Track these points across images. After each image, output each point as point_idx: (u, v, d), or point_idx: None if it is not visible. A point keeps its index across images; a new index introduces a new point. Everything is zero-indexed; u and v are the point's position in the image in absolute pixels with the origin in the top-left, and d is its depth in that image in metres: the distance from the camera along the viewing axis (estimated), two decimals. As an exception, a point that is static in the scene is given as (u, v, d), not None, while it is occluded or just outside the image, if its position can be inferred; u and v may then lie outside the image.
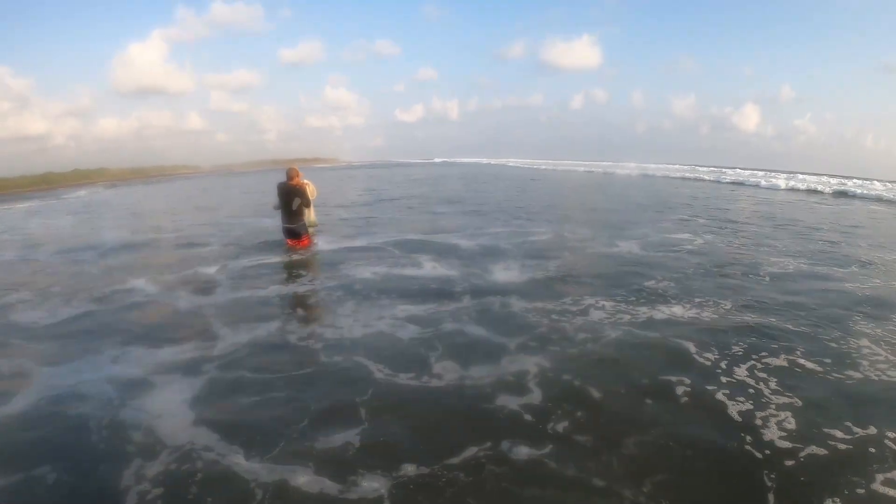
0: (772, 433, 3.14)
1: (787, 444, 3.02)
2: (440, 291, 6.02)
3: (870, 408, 3.45)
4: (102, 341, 4.73)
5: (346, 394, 3.62)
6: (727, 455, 2.96)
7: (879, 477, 2.74)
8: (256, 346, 4.54)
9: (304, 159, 71.78)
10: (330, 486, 2.68)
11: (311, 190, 8.67)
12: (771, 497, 2.60)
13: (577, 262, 7.74)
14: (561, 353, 4.30)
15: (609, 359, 4.22)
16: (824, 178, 27.94)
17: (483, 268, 7.15)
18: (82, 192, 26.80)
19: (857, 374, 3.93)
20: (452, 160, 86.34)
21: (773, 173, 32.91)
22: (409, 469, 2.80)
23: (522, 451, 2.95)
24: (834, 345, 4.49)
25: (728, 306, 5.49)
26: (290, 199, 8.08)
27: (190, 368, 4.10)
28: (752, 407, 3.44)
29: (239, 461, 2.89)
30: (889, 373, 3.96)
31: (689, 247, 8.77)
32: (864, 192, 21.21)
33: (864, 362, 4.14)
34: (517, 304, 5.52)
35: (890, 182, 26.36)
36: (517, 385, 3.74)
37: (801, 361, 4.15)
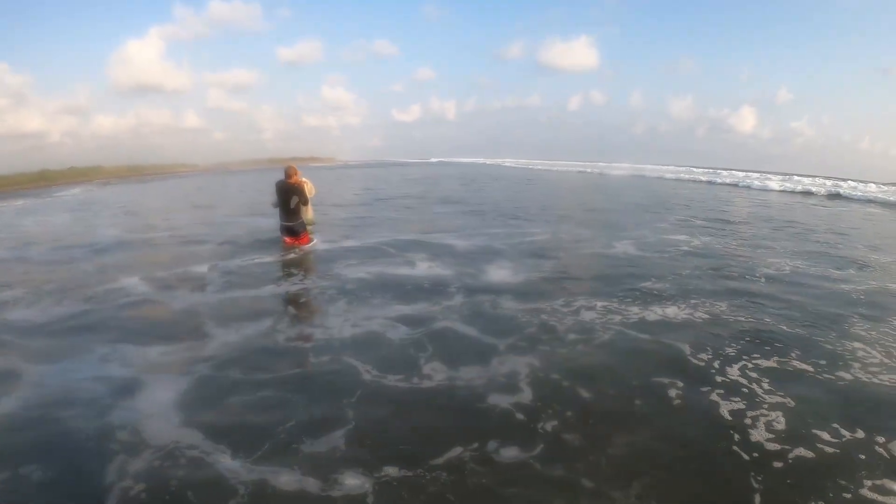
0: (762, 435, 3.12)
1: (777, 446, 3.00)
2: (433, 291, 5.99)
3: (863, 410, 3.43)
4: (93, 340, 4.68)
5: (335, 395, 3.58)
6: (717, 456, 2.94)
7: (868, 481, 2.73)
8: (246, 345, 4.51)
9: (301, 158, 71.47)
10: (315, 487, 2.65)
11: (309, 188, 8.65)
12: (758, 498, 2.59)
13: (573, 262, 7.74)
14: (552, 353, 4.28)
15: (602, 359, 4.20)
16: (820, 180, 28.03)
17: (477, 268, 7.13)
18: (76, 191, 26.67)
19: (851, 377, 3.93)
20: (449, 160, 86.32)
21: (769, 175, 32.97)
22: (395, 470, 2.77)
23: (511, 452, 2.92)
24: (829, 346, 4.48)
25: (723, 307, 5.48)
26: (289, 197, 8.07)
27: (179, 368, 4.07)
28: (744, 408, 3.42)
29: (225, 461, 2.86)
30: (881, 376, 3.95)
31: (686, 248, 8.78)
32: (861, 194, 21.29)
33: (858, 364, 4.13)
34: (510, 305, 5.50)
35: (886, 184, 26.47)
36: (508, 385, 3.71)
37: (795, 363, 4.15)
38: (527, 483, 2.69)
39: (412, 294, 5.88)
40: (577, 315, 5.19)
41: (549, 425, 3.20)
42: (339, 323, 4.99)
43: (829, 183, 26.34)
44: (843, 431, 3.17)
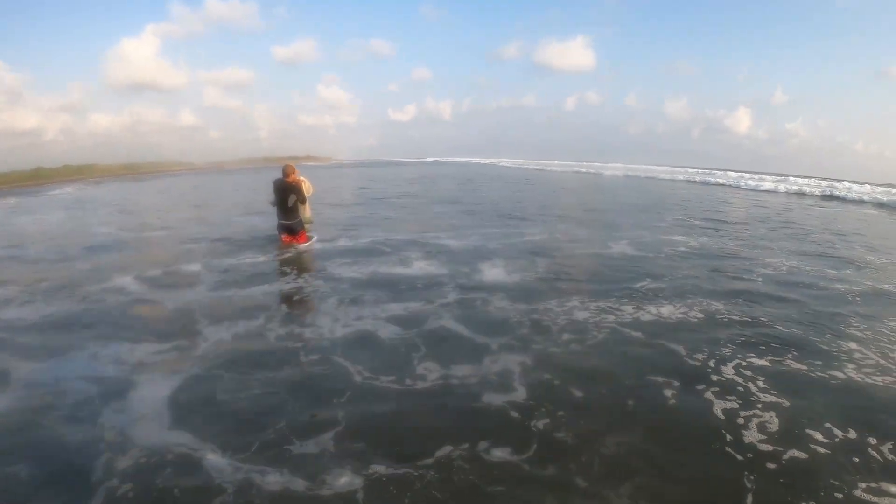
0: (757, 435, 3.11)
1: (771, 447, 2.99)
2: (428, 291, 5.96)
3: (858, 411, 3.42)
4: (84, 338, 4.64)
5: (326, 394, 3.55)
6: (711, 456, 2.92)
7: (862, 482, 2.71)
8: (238, 344, 4.47)
9: (297, 157, 71.26)
10: (305, 487, 2.63)
11: (306, 187, 8.62)
12: (751, 498, 2.57)
13: (569, 262, 7.71)
14: (546, 353, 4.26)
15: (596, 359, 4.18)
16: (815, 181, 28.16)
17: (472, 267, 7.10)
18: (70, 189, 26.51)
19: (846, 377, 3.92)
20: (444, 160, 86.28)
21: (765, 176, 33.10)
22: (387, 469, 2.75)
23: (504, 452, 2.90)
24: (825, 347, 4.47)
25: (719, 307, 5.48)
26: (286, 195, 8.08)
27: (171, 366, 4.03)
28: (738, 408, 3.41)
29: (215, 461, 2.83)
30: (874, 377, 3.94)
31: (682, 248, 8.78)
32: (856, 195, 21.36)
33: (853, 365, 4.12)
34: (505, 305, 5.47)
35: (881, 185, 26.60)
36: (501, 385, 3.69)
37: (791, 363, 4.14)
38: (519, 483, 2.66)
39: (407, 293, 5.85)
40: (572, 315, 5.17)
41: (542, 425, 3.18)
42: (332, 322, 4.95)
43: (824, 184, 26.48)
44: (837, 432, 3.16)
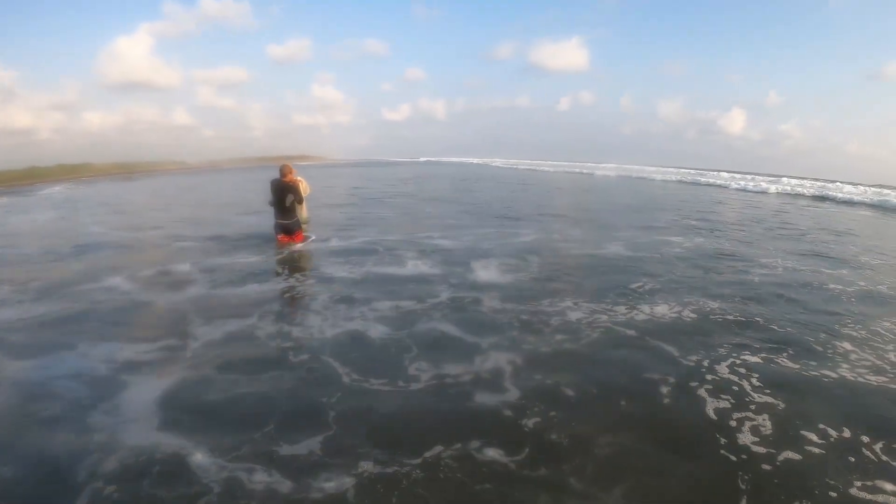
0: (750, 435, 3.09)
1: (765, 448, 2.97)
2: (421, 291, 5.91)
3: (852, 411, 3.41)
4: (74, 338, 4.57)
5: (316, 395, 3.51)
6: (704, 456, 2.90)
7: (857, 482, 2.70)
8: (228, 345, 4.42)
9: (291, 157, 70.93)
10: (293, 489, 2.59)
11: (304, 187, 8.59)
12: (745, 499, 2.55)
13: (562, 262, 7.68)
14: (539, 353, 4.23)
15: (590, 359, 4.16)
16: (809, 182, 28.32)
17: (466, 267, 7.06)
18: (63, 188, 26.29)
19: (840, 377, 3.91)
20: (438, 160, 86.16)
21: (759, 177, 33.22)
22: (375, 469, 2.72)
23: (495, 452, 2.87)
24: (819, 347, 4.46)
25: (713, 307, 5.47)
26: (284, 195, 8.07)
27: (160, 366, 3.99)
28: (732, 409, 3.39)
29: (203, 461, 2.79)
30: (868, 376, 3.94)
31: (676, 248, 8.77)
32: (849, 196, 21.47)
33: (847, 365, 4.12)
34: (498, 305, 5.44)
35: (874, 186, 26.79)
36: (492, 385, 3.66)
37: (786, 363, 4.13)
38: (512, 484, 2.63)
39: (400, 293, 5.80)
40: (565, 315, 5.14)
41: (535, 425, 3.15)
42: (324, 322, 4.91)
43: (818, 184, 26.62)
44: (832, 432, 3.14)
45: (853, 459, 2.89)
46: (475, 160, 75.16)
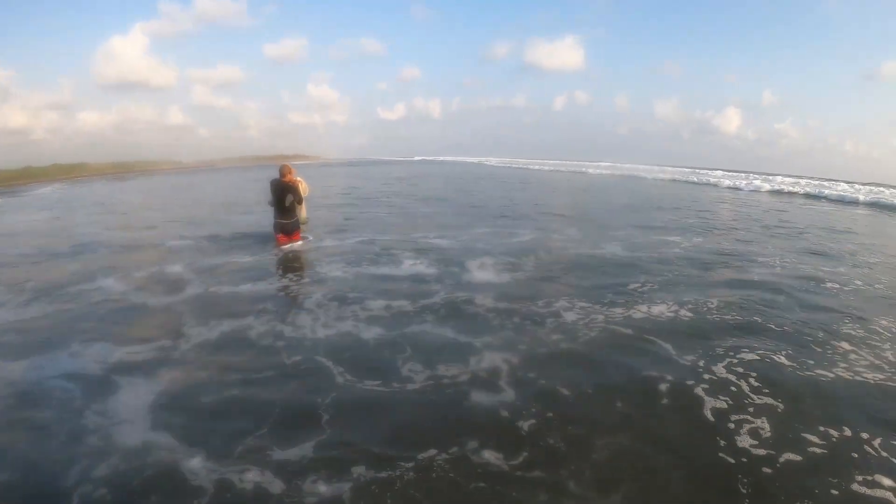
0: (749, 436, 3.06)
1: (764, 449, 2.94)
2: (416, 291, 5.87)
3: (850, 410, 3.39)
4: (66, 339, 4.54)
5: (310, 396, 3.47)
6: (702, 459, 2.87)
7: (857, 482, 2.68)
8: (222, 346, 4.38)
9: (287, 156, 70.81)
10: (287, 491, 2.56)
11: (303, 187, 8.56)
12: (746, 502, 2.52)
13: (559, 262, 7.63)
14: (535, 353, 4.19)
15: (587, 359, 4.12)
16: (805, 181, 28.37)
17: (461, 267, 7.01)
18: (57, 188, 26.17)
19: (839, 376, 3.88)
20: (433, 159, 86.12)
21: (755, 176, 33.29)
22: (370, 471, 2.69)
23: (491, 454, 2.84)
24: (818, 348, 4.43)
25: (711, 306, 5.43)
26: (284, 195, 8.07)
27: (152, 368, 3.95)
28: (730, 410, 3.35)
29: (195, 463, 2.77)
30: (865, 374, 3.92)
31: (674, 248, 8.75)
32: (845, 195, 21.50)
33: (845, 364, 4.09)
34: (494, 305, 5.39)
35: (870, 185, 26.89)
36: (488, 386, 3.62)
37: (784, 362, 4.09)
38: (508, 485, 2.60)
39: (395, 293, 5.75)
40: (561, 315, 5.10)
41: (530, 426, 3.12)
42: (318, 323, 4.86)
43: (814, 183, 26.67)
44: (833, 432, 3.11)
45: (853, 458, 2.87)
46: (470, 159, 75.09)
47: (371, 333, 4.60)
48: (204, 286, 6.15)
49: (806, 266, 7.53)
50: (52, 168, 40.46)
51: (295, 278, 6.58)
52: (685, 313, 5.18)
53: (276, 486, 2.60)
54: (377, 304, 5.35)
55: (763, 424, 3.18)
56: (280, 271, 6.95)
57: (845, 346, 4.46)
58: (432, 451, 2.85)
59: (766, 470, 2.75)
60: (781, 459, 2.85)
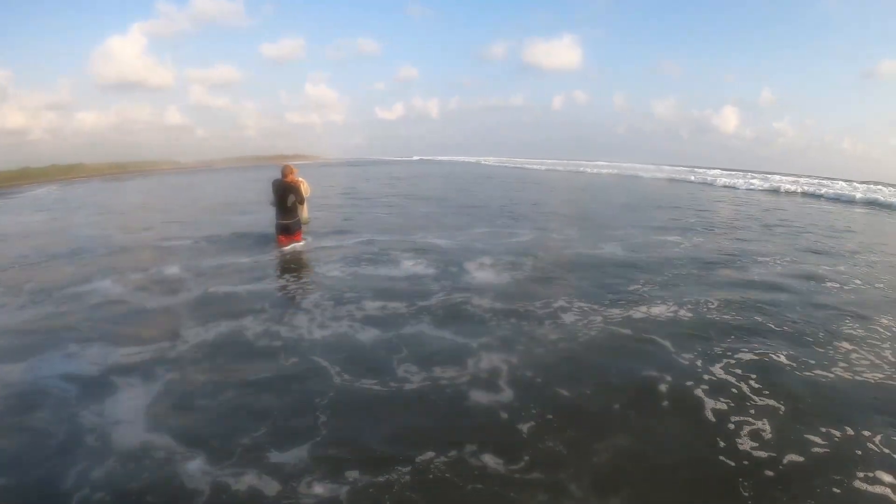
0: (750, 437, 3.04)
1: (765, 450, 2.93)
2: (415, 291, 5.85)
3: (850, 410, 3.37)
4: (63, 341, 4.52)
5: (308, 397, 3.46)
6: (702, 459, 2.86)
7: (860, 482, 2.66)
8: (219, 347, 4.36)
9: (285, 156, 70.62)
10: (284, 493, 2.55)
11: (305, 188, 8.54)
12: (743, 499, 2.52)
13: (558, 262, 7.61)
14: (534, 354, 4.18)
15: (586, 360, 4.11)
16: (804, 180, 28.37)
17: (460, 267, 6.99)
18: (54, 188, 26.13)
19: (839, 376, 3.87)
20: (431, 158, 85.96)
21: (754, 175, 33.30)
22: (367, 474, 2.67)
23: (490, 456, 2.82)
24: (819, 347, 4.42)
25: (710, 306, 5.42)
26: (285, 195, 8.06)
27: (149, 370, 3.92)
28: (730, 410, 3.34)
29: (193, 466, 2.76)
30: (865, 374, 3.91)
31: (673, 247, 8.74)
32: (844, 193, 21.50)
33: (846, 363, 4.08)
34: (492, 305, 5.37)
35: (868, 183, 26.90)
36: (487, 386, 3.60)
37: (784, 362, 4.08)
38: (506, 487, 2.58)
39: (394, 294, 5.73)
40: (560, 316, 5.08)
41: (529, 427, 3.10)
42: (316, 324, 4.84)
43: (813, 182, 26.67)
44: (835, 432, 3.10)
45: (854, 459, 2.85)
46: (469, 159, 74.96)
47: (369, 334, 4.58)
48: (202, 287, 6.13)
49: (806, 265, 7.52)
50: (51, 168, 40.42)
51: (293, 279, 6.56)
52: (685, 313, 5.17)
53: (273, 487, 2.59)
54: (375, 305, 5.33)
55: (764, 425, 3.16)
56: (278, 272, 6.92)
57: (846, 345, 4.44)
58: (430, 453, 2.84)
59: (767, 470, 2.74)
60: (782, 459, 2.83)
